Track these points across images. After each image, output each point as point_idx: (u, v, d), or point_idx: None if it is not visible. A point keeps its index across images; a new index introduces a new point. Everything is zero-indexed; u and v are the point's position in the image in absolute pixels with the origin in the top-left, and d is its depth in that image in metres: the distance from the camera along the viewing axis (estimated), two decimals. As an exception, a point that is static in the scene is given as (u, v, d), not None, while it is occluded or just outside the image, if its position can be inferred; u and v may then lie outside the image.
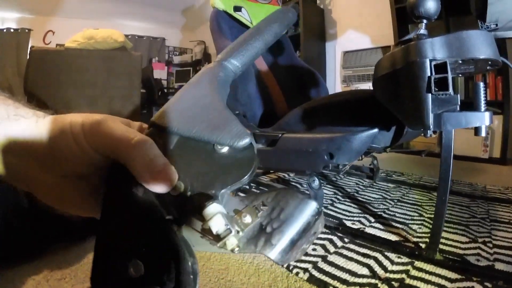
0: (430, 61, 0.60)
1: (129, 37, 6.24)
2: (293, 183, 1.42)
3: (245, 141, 0.25)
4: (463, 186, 1.56)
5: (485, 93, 0.68)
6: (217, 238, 0.22)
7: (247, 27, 1.57)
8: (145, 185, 0.24)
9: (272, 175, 1.55)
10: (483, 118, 0.65)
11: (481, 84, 0.68)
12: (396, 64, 0.68)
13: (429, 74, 0.60)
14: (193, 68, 6.43)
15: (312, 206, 0.25)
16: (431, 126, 0.62)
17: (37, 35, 5.60)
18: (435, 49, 0.60)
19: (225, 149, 0.26)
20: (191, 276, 0.21)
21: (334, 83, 3.85)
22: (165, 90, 6.19)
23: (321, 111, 1.02)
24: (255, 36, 0.44)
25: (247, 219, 0.24)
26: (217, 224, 0.22)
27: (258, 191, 1.05)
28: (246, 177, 0.24)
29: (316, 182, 1.00)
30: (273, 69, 1.64)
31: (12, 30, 5.43)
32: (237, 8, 1.54)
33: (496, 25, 1.73)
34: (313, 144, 0.92)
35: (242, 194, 0.90)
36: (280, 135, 1.02)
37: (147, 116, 5.90)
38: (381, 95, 0.77)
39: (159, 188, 0.24)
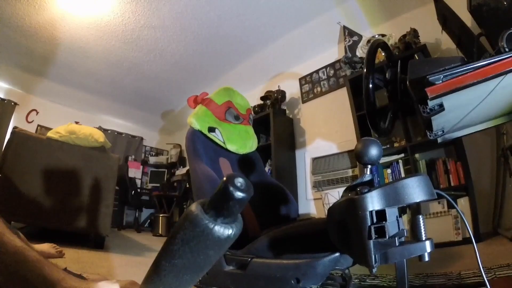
0: (370, 212, 0.71)
1: (109, 131, 6.40)
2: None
3: None
4: (438, 278, 1.58)
5: (424, 225, 0.77)
6: None
7: (220, 146, 1.72)
8: None
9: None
10: (425, 247, 0.74)
11: (421, 217, 0.78)
12: (342, 214, 0.79)
13: (369, 223, 0.70)
14: (167, 170, 6.52)
15: None
16: (374, 266, 0.70)
17: (22, 111, 5.70)
18: (374, 202, 0.71)
19: None
20: None
21: (305, 189, 4.00)
22: (139, 190, 6.18)
23: (287, 240, 1.10)
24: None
25: None
26: None
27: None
28: None
29: (286, 304, 1.03)
30: (245, 188, 1.72)
31: None
32: (211, 129, 1.68)
33: (443, 131, 1.92)
34: (281, 270, 0.98)
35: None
36: (249, 259, 1.08)
37: (118, 214, 5.79)
38: (334, 238, 0.86)
39: None
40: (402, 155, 3.10)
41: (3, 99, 5.52)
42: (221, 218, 0.33)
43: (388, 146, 3.17)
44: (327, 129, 4.03)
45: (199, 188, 1.39)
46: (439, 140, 2.29)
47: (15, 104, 5.62)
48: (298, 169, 4.21)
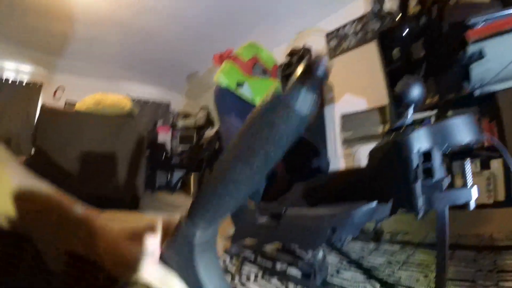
0: (417, 151, 0.67)
1: (135, 100, 6.44)
2: (299, 251, 1.43)
3: None
4: (470, 238, 1.55)
5: (470, 171, 0.73)
6: None
7: (249, 102, 1.69)
8: None
9: (276, 244, 1.57)
10: (470, 194, 0.70)
11: (468, 163, 0.74)
12: (387, 155, 0.75)
13: (416, 164, 0.67)
14: (196, 132, 6.57)
15: None
16: (421, 210, 0.67)
17: (48, 90, 5.79)
18: (421, 141, 0.67)
19: None
20: None
21: (335, 146, 3.95)
22: (169, 154, 6.29)
23: (322, 189, 1.08)
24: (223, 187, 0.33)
25: None
26: None
27: (263, 261, 1.08)
28: None
29: (321, 254, 1.03)
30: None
31: (24, 83, 5.61)
32: (240, 84, 1.65)
33: (481, 83, 1.83)
34: (316, 220, 0.97)
35: (249, 265, 0.94)
36: (284, 210, 1.08)
37: (151, 179, 5.95)
38: (375, 181, 0.83)
39: None
40: (435, 111, 2.97)
41: (28, 83, 5.64)
42: (304, 90, 0.30)
43: (420, 101, 3.04)
44: (356, 85, 3.89)
45: (230, 142, 1.38)
46: (477, 93, 2.17)
47: (41, 84, 5.73)
48: (328, 126, 4.13)
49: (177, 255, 0.36)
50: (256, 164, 0.30)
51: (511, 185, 2.36)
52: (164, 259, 0.37)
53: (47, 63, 5.68)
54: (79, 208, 0.44)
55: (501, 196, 2.36)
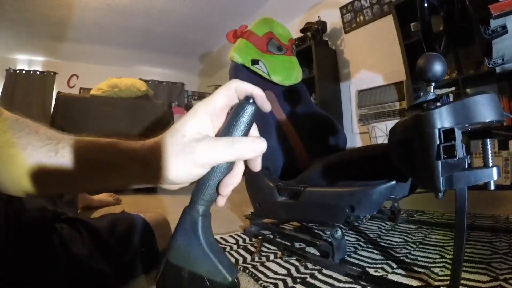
0: (439, 130, 0.65)
1: (150, 82, 6.48)
2: (316, 231, 1.44)
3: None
4: (485, 219, 1.52)
5: (492, 150, 0.71)
6: None
7: (265, 79, 1.66)
8: None
9: (295, 224, 1.57)
10: (492, 174, 0.68)
11: (488, 141, 0.72)
12: (407, 132, 0.73)
13: (438, 142, 0.65)
14: (211, 111, 6.61)
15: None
16: (441, 189, 0.66)
17: (62, 78, 5.97)
18: (443, 118, 0.65)
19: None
20: None
21: (351, 123, 3.92)
22: (185, 134, 6.33)
23: (341, 167, 1.07)
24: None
25: None
26: None
27: (282, 241, 1.08)
28: None
29: (339, 233, 1.02)
30: (291, 119, 1.70)
31: (38, 73, 5.78)
32: (255, 62, 1.61)
33: (503, 59, 1.76)
34: (335, 198, 0.97)
35: (267, 245, 0.94)
36: (302, 188, 1.08)
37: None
38: (395, 159, 0.81)
39: None
40: (453, 88, 2.89)
41: (42, 72, 5.78)
42: None
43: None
44: (372, 60, 3.82)
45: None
46: (498, 69, 2.10)
47: (55, 73, 5.88)
48: (343, 102, 4.11)
49: (184, 233, 0.39)
50: None
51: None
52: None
53: (59, 52, 5.78)
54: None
55: (518, 178, 2.32)
